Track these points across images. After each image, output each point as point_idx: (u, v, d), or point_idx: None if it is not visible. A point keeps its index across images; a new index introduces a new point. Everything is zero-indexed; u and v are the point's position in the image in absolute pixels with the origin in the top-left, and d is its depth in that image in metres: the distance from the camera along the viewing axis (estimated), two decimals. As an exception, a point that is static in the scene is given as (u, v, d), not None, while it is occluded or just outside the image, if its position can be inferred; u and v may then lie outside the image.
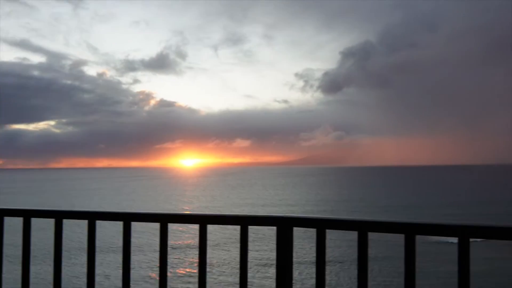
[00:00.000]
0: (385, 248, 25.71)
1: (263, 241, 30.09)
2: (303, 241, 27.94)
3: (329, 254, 23.60)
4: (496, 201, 65.96)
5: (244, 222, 3.20)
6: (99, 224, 3.58)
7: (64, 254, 3.59)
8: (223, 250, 30.77)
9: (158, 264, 3.43)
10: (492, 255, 24.44)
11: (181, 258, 28.72)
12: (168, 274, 3.38)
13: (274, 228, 3.13)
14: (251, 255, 27.18)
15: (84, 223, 3.61)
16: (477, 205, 61.92)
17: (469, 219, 48.04)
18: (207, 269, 3.17)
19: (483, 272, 22.72)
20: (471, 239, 2.53)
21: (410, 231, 2.67)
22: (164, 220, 3.41)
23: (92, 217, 3.59)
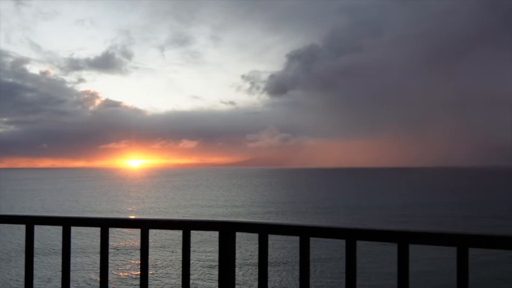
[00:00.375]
0: (329, 249, 26.10)
1: (209, 242, 29.98)
2: (248, 242, 27.98)
3: (274, 254, 23.62)
4: (437, 203, 68.11)
5: (186, 227, 3.18)
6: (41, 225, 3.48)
7: (4, 257, 3.50)
8: (167, 251, 30.45)
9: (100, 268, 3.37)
10: (433, 255, 25.19)
11: (125, 260, 28.24)
12: (111, 276, 3.35)
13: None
14: (196, 256, 27.08)
15: (22, 226, 3.47)
16: (419, 207, 63.78)
17: (411, 221, 49.51)
18: (151, 272, 3.18)
19: (424, 273, 23.38)
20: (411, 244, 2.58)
21: (351, 236, 2.70)
22: (105, 224, 3.35)
23: (30, 222, 3.46)
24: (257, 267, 3.02)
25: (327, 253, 26.21)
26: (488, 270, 23.57)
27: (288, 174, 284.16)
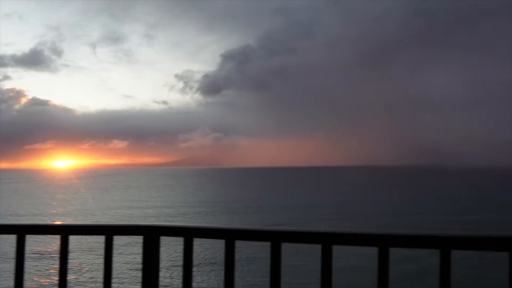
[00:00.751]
0: (257, 249, 26.04)
1: (138, 243, 29.13)
2: (177, 243, 27.13)
3: (202, 254, 23.09)
4: (367, 201, 70.35)
5: (108, 232, 3.11)
6: None
7: None
8: (94, 254, 29.42)
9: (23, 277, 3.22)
10: (358, 252, 25.66)
11: (48, 265, 27.11)
12: (31, 283, 3.21)
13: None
14: (122, 258, 26.30)
15: None
16: (350, 205, 65.69)
17: (340, 219, 50.73)
18: (74, 276, 3.09)
19: (347, 270, 23.80)
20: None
21: (276, 239, 2.72)
22: (22, 231, 3.19)
23: None
24: (182, 271, 2.99)
25: (255, 253, 26.24)
26: (409, 264, 24.30)
27: (220, 174, 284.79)
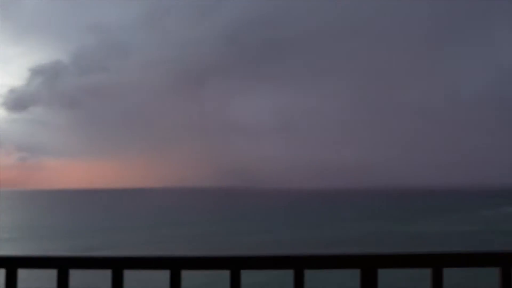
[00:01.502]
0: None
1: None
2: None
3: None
4: (173, 223, 71.79)
5: None
6: None
7: None
8: None
9: None
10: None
11: None
12: None
13: None
14: None
15: None
16: (144, 229, 66.01)
17: (129, 245, 48.99)
18: None
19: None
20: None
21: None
22: None
23: None
24: None
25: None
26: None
27: (26, 196, 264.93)
